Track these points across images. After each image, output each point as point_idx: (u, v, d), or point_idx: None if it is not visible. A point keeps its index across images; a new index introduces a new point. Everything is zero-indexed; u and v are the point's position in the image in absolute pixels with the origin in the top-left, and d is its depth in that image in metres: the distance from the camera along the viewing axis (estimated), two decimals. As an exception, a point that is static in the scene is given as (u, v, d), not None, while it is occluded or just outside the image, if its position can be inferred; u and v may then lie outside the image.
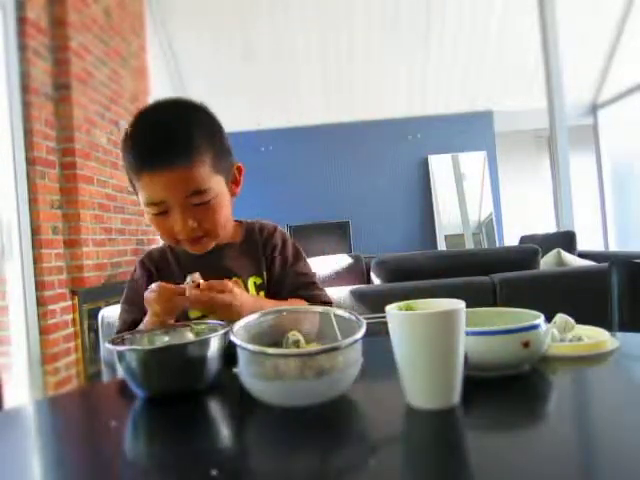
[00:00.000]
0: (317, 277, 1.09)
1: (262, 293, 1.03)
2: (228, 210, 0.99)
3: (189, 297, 0.84)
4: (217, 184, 0.94)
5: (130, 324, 0.99)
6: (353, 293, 2.13)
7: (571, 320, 0.82)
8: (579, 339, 0.79)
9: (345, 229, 6.41)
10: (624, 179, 6.33)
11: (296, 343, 0.70)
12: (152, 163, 0.89)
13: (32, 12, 2.78)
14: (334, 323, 0.73)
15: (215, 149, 0.94)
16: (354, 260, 2.46)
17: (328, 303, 1.02)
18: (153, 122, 0.94)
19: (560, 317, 0.82)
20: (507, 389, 0.65)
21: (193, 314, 0.95)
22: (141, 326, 0.93)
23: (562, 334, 0.80)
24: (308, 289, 1.03)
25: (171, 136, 0.90)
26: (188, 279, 0.86)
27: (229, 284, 0.87)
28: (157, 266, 1.05)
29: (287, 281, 1.03)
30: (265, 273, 1.04)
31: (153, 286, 0.87)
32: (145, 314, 0.91)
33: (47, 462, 0.59)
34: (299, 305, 0.96)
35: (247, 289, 1.01)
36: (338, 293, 2.13)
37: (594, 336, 0.80)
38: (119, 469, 0.54)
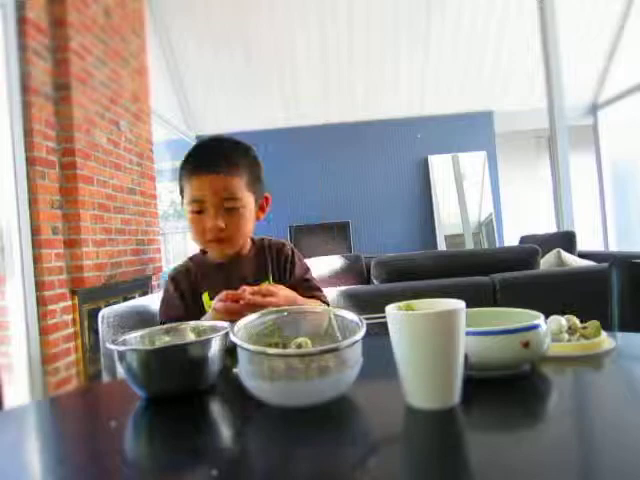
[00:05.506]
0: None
1: None
2: (250, 225, 1.16)
3: (246, 303, 0.94)
4: (248, 199, 1.13)
5: None
6: (353, 293, 2.13)
7: (576, 320, 0.82)
8: (578, 339, 0.79)
9: (345, 229, 6.41)
10: (624, 179, 6.33)
11: (298, 344, 0.70)
12: (202, 168, 1.11)
13: (32, 12, 2.78)
14: (334, 323, 0.74)
15: (251, 174, 1.15)
16: (354, 260, 2.46)
17: (327, 304, 1.19)
18: (209, 144, 1.19)
19: (571, 318, 0.82)
20: (507, 389, 0.65)
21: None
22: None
23: (571, 335, 0.80)
24: (314, 292, 1.19)
25: (220, 153, 1.14)
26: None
27: (271, 287, 0.99)
28: (187, 281, 1.19)
29: (298, 286, 1.16)
30: (272, 281, 1.18)
31: (222, 295, 0.97)
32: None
33: (47, 462, 0.59)
34: (310, 304, 1.07)
35: None
36: (338, 293, 2.13)
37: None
38: (119, 469, 0.54)
